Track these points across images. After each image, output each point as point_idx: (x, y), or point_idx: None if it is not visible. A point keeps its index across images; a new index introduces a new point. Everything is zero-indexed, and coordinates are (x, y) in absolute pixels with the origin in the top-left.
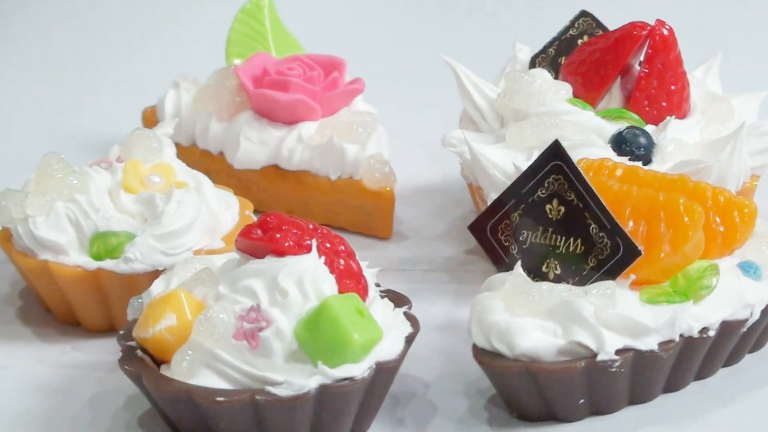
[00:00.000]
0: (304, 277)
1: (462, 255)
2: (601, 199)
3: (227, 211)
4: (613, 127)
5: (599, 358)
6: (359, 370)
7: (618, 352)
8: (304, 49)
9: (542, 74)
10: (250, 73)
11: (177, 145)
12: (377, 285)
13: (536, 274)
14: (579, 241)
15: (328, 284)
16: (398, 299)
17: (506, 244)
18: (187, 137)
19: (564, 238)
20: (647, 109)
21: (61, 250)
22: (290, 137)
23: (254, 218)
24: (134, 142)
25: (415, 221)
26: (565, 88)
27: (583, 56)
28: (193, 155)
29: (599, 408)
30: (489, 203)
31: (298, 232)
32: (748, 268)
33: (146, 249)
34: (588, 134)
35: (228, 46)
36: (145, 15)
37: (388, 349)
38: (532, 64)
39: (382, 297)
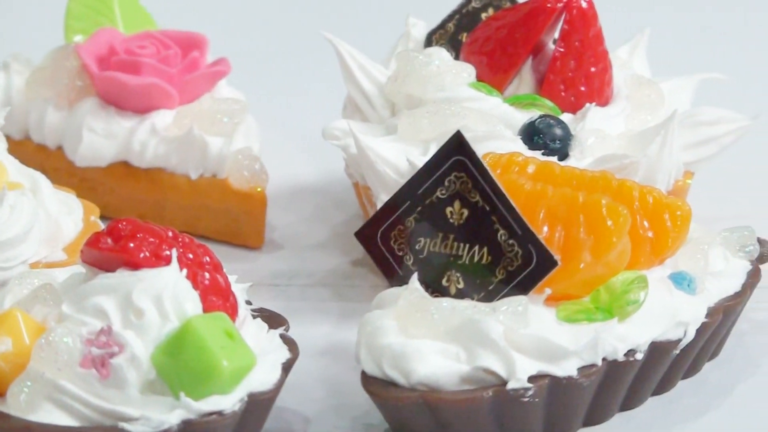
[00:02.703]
0: (163, 294)
1: (347, 267)
2: (510, 200)
3: (69, 216)
4: (523, 116)
5: (509, 386)
6: (228, 402)
7: (531, 379)
8: (158, 24)
9: (440, 54)
10: (94, 52)
11: (7, 138)
12: (248, 303)
13: (435, 288)
14: (485, 249)
15: (191, 302)
16: (273, 320)
17: (400, 253)
18: (19, 129)
19: (467, 246)
20: (563, 94)
21: None
22: (142, 128)
23: (101, 225)
24: None
25: (292, 228)
26: (467, 71)
27: (488, 33)
28: (26, 150)
29: None
30: (379, 206)
31: (155, 241)
32: (681, 280)
33: None
34: (495, 124)
35: (67, 19)
36: None
37: (262, 377)
38: (429, 41)
39: (255, 317)
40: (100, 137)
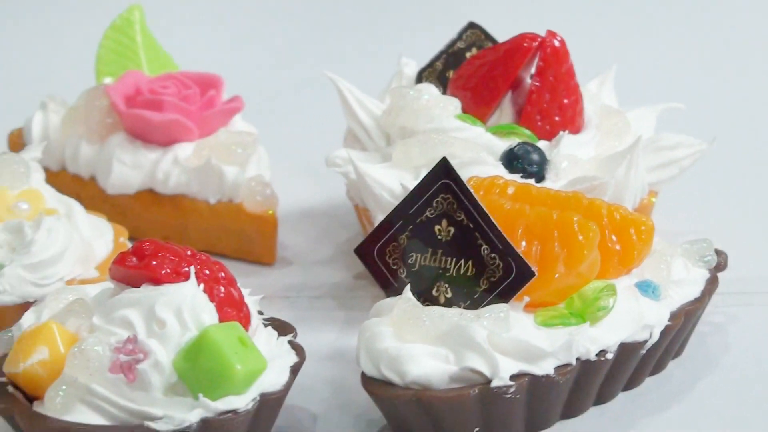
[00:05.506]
0: (183, 306)
1: (349, 280)
2: (492, 218)
3: (100, 238)
4: (504, 144)
5: (493, 384)
6: (242, 402)
7: (513, 377)
8: (179, 66)
9: (429, 89)
10: (121, 92)
11: (46, 169)
12: (260, 313)
13: (426, 298)
14: (470, 263)
15: (208, 313)
16: (283, 328)
17: (394, 267)
18: (56, 161)
19: (454, 260)
20: (539, 124)
21: None
22: (165, 160)
23: (129, 245)
24: None
25: (300, 246)
26: (453, 104)
27: (472, 70)
28: (63, 180)
29: None
30: (376, 225)
31: (176, 259)
32: (646, 288)
33: (15, 280)
34: (478, 151)
35: (98, 64)
36: (10, 32)
37: (272, 379)
38: (419, 78)
39: (266, 325)
40: (128, 168)
